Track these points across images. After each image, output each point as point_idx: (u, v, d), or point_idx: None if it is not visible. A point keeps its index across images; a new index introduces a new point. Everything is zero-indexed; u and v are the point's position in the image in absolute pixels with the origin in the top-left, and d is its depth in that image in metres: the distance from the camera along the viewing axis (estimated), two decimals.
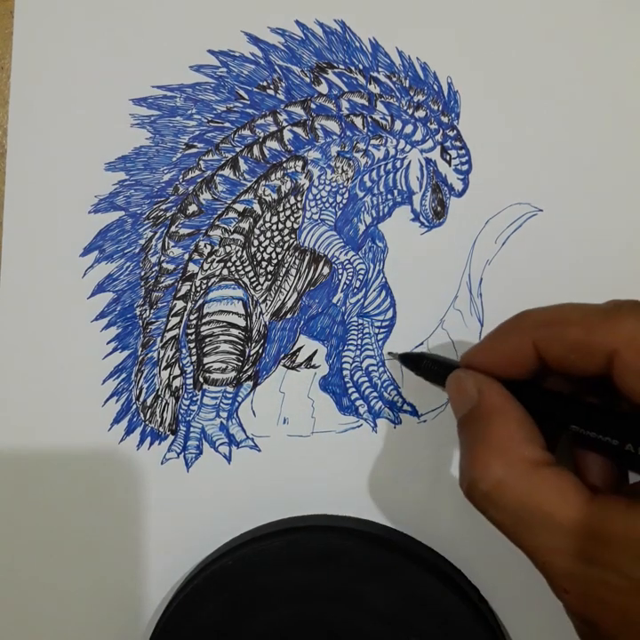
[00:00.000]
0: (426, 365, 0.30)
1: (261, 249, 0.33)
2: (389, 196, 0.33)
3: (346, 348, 0.33)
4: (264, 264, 0.33)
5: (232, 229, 0.33)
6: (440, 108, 0.33)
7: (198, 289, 0.33)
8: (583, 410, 0.24)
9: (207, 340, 0.33)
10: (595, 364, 0.23)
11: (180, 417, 0.33)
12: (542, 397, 0.25)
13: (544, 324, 0.24)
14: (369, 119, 0.33)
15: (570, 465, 0.26)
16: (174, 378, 0.33)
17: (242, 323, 0.33)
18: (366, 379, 0.33)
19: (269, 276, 0.33)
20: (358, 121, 0.33)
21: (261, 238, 0.33)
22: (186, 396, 0.33)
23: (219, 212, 0.33)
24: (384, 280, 0.33)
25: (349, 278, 0.33)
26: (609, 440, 0.23)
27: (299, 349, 0.33)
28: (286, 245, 0.33)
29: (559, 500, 0.22)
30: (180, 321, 0.33)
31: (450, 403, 0.27)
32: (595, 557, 0.21)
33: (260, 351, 0.33)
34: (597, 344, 0.22)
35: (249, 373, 0.33)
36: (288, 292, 0.33)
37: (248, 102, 0.33)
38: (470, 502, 0.24)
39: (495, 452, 0.23)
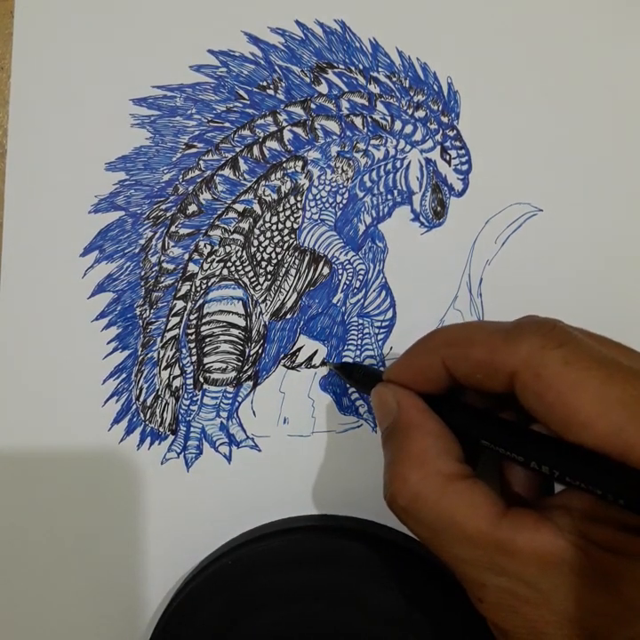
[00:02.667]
0: (356, 376, 0.30)
1: (261, 249, 0.33)
2: (389, 196, 0.33)
3: (346, 348, 0.33)
4: (264, 264, 0.33)
5: (232, 229, 0.33)
6: (440, 108, 0.33)
7: (198, 289, 0.33)
8: (493, 426, 0.25)
9: (207, 339, 0.33)
10: (499, 382, 0.23)
11: (180, 417, 0.33)
12: (458, 412, 0.26)
13: (451, 344, 0.25)
14: (369, 119, 0.33)
15: (496, 475, 0.27)
16: (174, 378, 0.33)
17: (242, 323, 0.33)
18: None
19: (269, 276, 0.33)
20: (358, 121, 0.33)
21: (261, 238, 0.33)
22: (186, 396, 0.33)
23: (219, 212, 0.33)
24: (384, 280, 0.33)
25: (349, 278, 0.33)
26: (515, 456, 0.23)
27: (299, 349, 0.33)
28: (286, 245, 0.33)
29: (471, 513, 0.22)
30: (180, 321, 0.33)
31: (374, 415, 0.27)
32: (504, 569, 0.22)
33: (260, 351, 0.33)
34: (499, 364, 0.23)
35: (249, 373, 0.33)
36: (288, 292, 0.33)
37: (248, 102, 0.33)
38: (393, 514, 0.24)
39: (412, 466, 0.24)
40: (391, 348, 0.33)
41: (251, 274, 0.33)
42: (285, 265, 0.33)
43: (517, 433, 0.24)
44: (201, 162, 0.33)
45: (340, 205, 0.33)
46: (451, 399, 0.26)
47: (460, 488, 0.23)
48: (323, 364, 0.33)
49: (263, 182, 0.33)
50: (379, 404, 0.27)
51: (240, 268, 0.33)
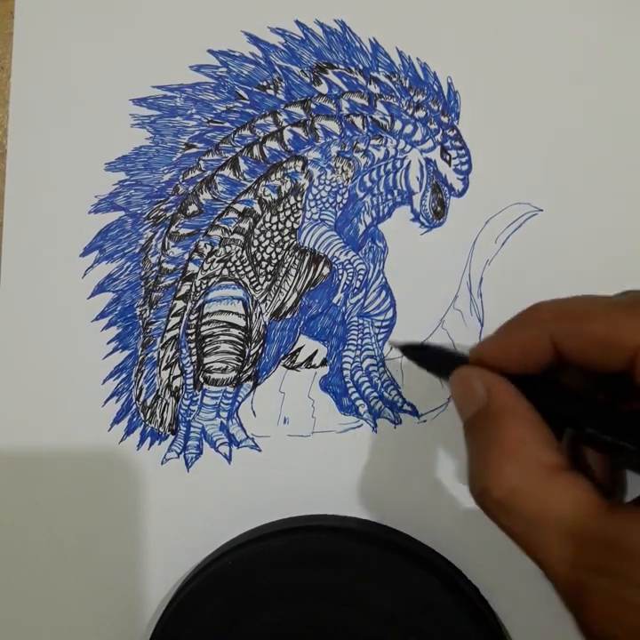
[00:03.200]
0: (429, 357, 0.27)
1: (261, 249, 0.33)
2: (389, 196, 0.33)
3: (346, 348, 0.33)
4: (264, 264, 0.33)
5: (232, 229, 0.33)
6: (440, 108, 0.33)
7: (198, 289, 0.33)
8: (599, 412, 0.23)
9: (207, 339, 0.33)
10: (617, 360, 0.22)
11: (180, 417, 0.33)
12: (555, 396, 0.24)
13: (563, 317, 0.23)
14: (369, 119, 0.33)
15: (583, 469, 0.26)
16: (174, 378, 0.33)
17: (242, 323, 0.33)
18: (366, 379, 0.33)
19: (269, 276, 0.33)
20: (358, 121, 0.33)
21: (261, 238, 0.33)
22: (186, 396, 0.33)
23: (219, 212, 0.33)
24: (384, 280, 0.33)
25: (349, 278, 0.33)
26: (627, 445, 0.21)
27: (299, 349, 0.33)
28: (286, 245, 0.33)
29: (575, 509, 0.21)
30: (180, 321, 0.33)
31: (454, 402, 0.25)
32: (612, 570, 0.20)
33: (260, 351, 0.33)
34: (623, 340, 0.21)
35: (249, 373, 0.33)
36: (288, 292, 0.33)
37: (248, 102, 0.33)
38: (481, 508, 0.23)
39: (509, 457, 0.22)
40: (391, 348, 0.33)
41: (251, 274, 0.33)
42: (285, 265, 0.33)
43: (629, 419, 0.22)
44: (201, 162, 0.33)
45: (340, 205, 0.33)
46: (543, 382, 0.24)
47: (564, 481, 0.21)
48: (388, 342, 0.31)
49: (263, 182, 0.33)
50: (462, 390, 0.24)
51: (240, 267, 0.33)
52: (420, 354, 0.28)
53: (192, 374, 0.33)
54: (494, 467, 0.22)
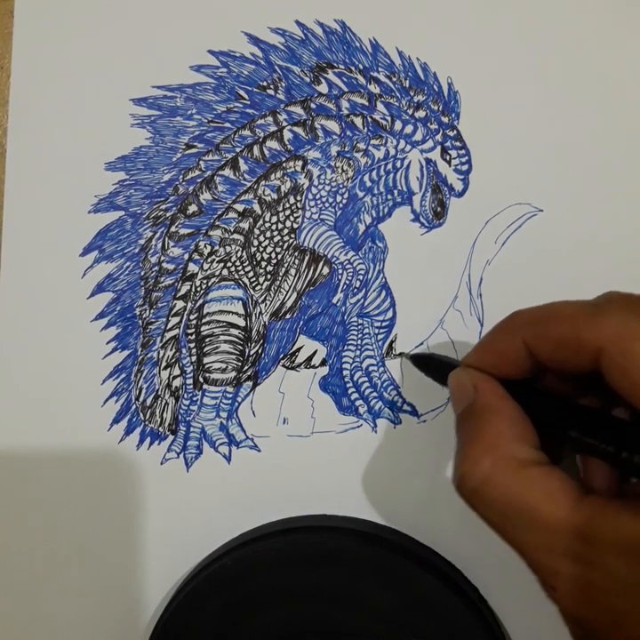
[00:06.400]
0: (434, 366, 0.30)
1: (261, 249, 0.33)
2: (389, 197, 0.33)
3: (346, 348, 0.33)
4: (264, 264, 0.33)
5: (232, 229, 0.33)
6: (440, 108, 0.33)
7: (198, 289, 0.33)
8: (580, 415, 0.24)
9: (207, 339, 0.33)
10: (584, 360, 0.22)
11: (179, 417, 0.33)
12: (540, 400, 0.25)
13: (533, 322, 0.24)
14: (369, 119, 0.33)
15: (575, 467, 0.26)
16: (174, 378, 0.33)
17: (242, 323, 0.33)
18: (366, 379, 0.33)
19: (269, 276, 0.33)
20: (358, 121, 0.33)
21: (261, 238, 0.33)
22: (186, 396, 0.33)
23: (219, 212, 0.33)
24: (384, 280, 0.33)
25: (349, 278, 0.33)
26: (605, 447, 0.22)
27: (298, 349, 0.33)
28: (286, 245, 0.33)
29: (545, 499, 0.22)
30: (180, 321, 0.33)
31: (450, 399, 0.27)
32: (581, 556, 0.21)
33: (260, 351, 0.33)
34: (585, 340, 0.22)
35: (249, 373, 0.33)
36: (288, 292, 0.33)
37: (248, 102, 0.33)
38: (461, 497, 0.24)
39: (485, 449, 0.23)
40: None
41: (251, 274, 0.33)
42: (285, 265, 0.33)
43: (608, 421, 0.23)
44: (201, 162, 0.33)
45: (340, 205, 0.33)
46: (531, 387, 0.26)
47: (535, 474, 0.22)
48: (399, 354, 0.33)
49: (263, 182, 0.33)
50: (455, 388, 0.26)
51: (240, 268, 0.33)
52: (426, 363, 0.31)
53: (192, 374, 0.33)
54: (471, 458, 0.23)
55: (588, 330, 0.22)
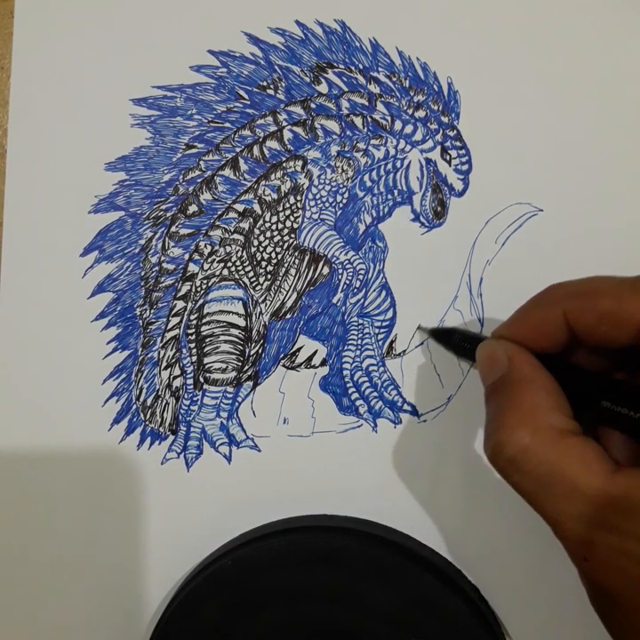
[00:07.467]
0: (456, 340, 0.30)
1: (261, 249, 0.33)
2: (389, 196, 0.33)
3: (346, 348, 0.33)
4: (264, 264, 0.33)
5: (232, 229, 0.33)
6: (440, 108, 0.33)
7: (198, 289, 0.33)
8: (613, 386, 0.24)
9: (207, 339, 0.33)
10: (625, 334, 0.23)
11: (180, 417, 0.33)
12: (572, 372, 0.25)
13: (574, 295, 0.24)
14: (369, 119, 0.33)
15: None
16: (174, 378, 0.33)
17: (242, 323, 0.33)
18: (366, 379, 0.33)
19: (269, 276, 0.33)
20: (358, 121, 0.33)
21: (261, 238, 0.33)
22: (186, 396, 0.33)
23: (219, 213, 0.33)
24: (384, 280, 0.33)
25: (349, 278, 0.33)
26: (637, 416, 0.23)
27: (298, 349, 0.33)
28: (286, 245, 0.33)
29: (583, 469, 0.22)
30: (181, 321, 0.33)
31: (479, 371, 0.27)
32: (616, 526, 0.21)
33: (260, 351, 0.33)
34: (628, 314, 0.23)
35: (249, 373, 0.33)
36: (288, 291, 0.33)
37: (248, 102, 0.33)
38: (494, 467, 0.24)
39: (523, 418, 0.23)
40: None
41: (251, 274, 0.33)
42: (285, 265, 0.33)
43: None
44: (201, 162, 0.33)
45: (340, 205, 0.33)
46: (563, 360, 0.26)
47: (573, 443, 0.23)
48: (418, 328, 0.33)
49: (263, 182, 0.33)
50: (486, 359, 0.26)
51: (240, 267, 0.33)
52: (448, 337, 0.31)
53: (192, 374, 0.33)
54: (508, 427, 0.23)
55: (632, 303, 0.23)
